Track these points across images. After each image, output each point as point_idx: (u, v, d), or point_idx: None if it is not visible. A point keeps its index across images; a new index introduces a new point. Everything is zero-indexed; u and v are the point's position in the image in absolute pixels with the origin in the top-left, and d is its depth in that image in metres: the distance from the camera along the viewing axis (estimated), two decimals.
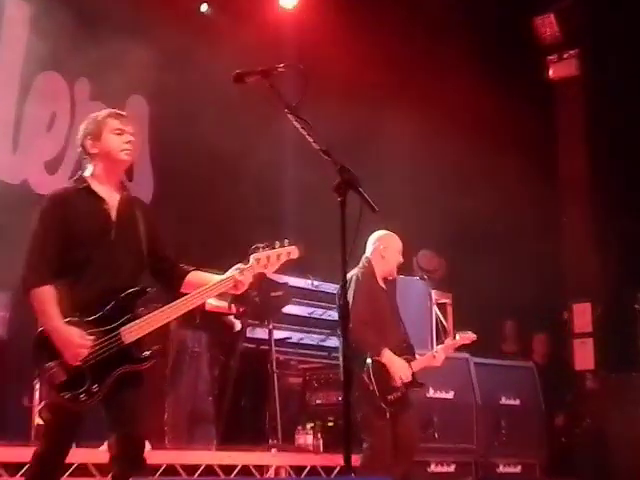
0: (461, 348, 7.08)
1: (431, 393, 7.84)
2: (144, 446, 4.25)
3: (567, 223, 10.64)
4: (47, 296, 4.15)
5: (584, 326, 10.25)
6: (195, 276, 4.44)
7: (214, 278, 4.37)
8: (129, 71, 8.48)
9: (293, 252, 4.36)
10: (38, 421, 7.48)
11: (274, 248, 4.34)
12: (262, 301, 7.79)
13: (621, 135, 10.07)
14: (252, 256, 4.33)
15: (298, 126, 3.97)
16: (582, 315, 10.29)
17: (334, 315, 8.61)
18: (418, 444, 6.63)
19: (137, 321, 4.20)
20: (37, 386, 7.68)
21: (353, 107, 9.56)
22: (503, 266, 10.52)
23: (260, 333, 8.07)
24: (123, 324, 4.19)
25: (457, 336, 6.81)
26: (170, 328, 7.46)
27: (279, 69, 4.04)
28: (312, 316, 8.74)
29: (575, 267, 10.44)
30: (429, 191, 10.55)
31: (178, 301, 4.29)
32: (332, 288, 8.54)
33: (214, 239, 8.71)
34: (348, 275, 6.35)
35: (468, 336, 6.79)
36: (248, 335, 8.03)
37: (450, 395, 8.03)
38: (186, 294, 4.35)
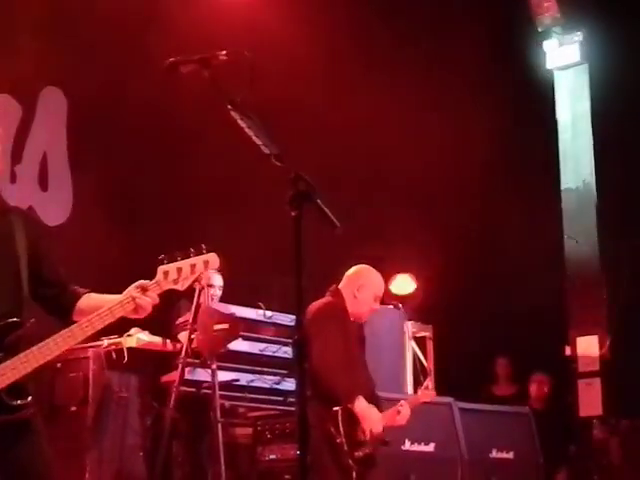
0: (442, 391, 7.09)
1: (407, 446, 7.84)
2: None
3: (570, 242, 10.71)
4: None
5: (590, 364, 10.31)
6: (88, 300, 4.34)
7: (112, 300, 4.25)
8: (43, 58, 8.45)
9: (212, 260, 4.20)
10: None
11: (187, 257, 4.22)
12: (203, 336, 7.75)
13: (631, 135, 10.19)
14: (159, 268, 4.22)
15: (244, 125, 3.95)
16: (588, 351, 10.36)
17: (290, 352, 8.58)
18: None
19: (10, 361, 4.08)
20: None
21: (313, 101, 9.62)
22: (494, 293, 10.60)
23: (201, 374, 8.01)
24: None
25: (418, 391, 6.85)
26: (90, 369, 7.42)
27: (221, 57, 4.02)
28: (264, 353, 8.68)
29: (579, 294, 10.52)
30: (408, 205, 10.63)
31: (61, 333, 4.16)
32: (288, 319, 8.51)
33: (146, 257, 8.67)
34: (314, 304, 6.38)
35: (428, 393, 6.79)
36: (187, 377, 7.97)
37: (430, 448, 8.03)
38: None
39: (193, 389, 8.05)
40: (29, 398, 4.12)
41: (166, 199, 9.49)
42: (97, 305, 4.26)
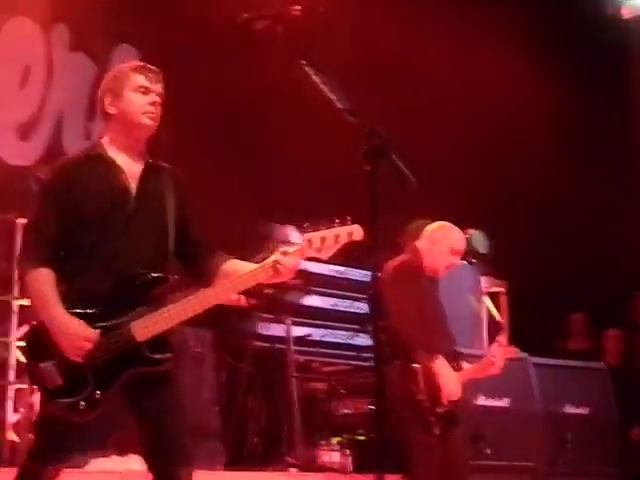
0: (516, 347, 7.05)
1: (482, 400, 7.84)
2: (191, 462, 4.20)
3: None
4: (45, 279, 4.10)
5: None
6: (233, 266, 4.33)
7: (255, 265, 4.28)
8: (115, 15, 8.50)
9: (356, 232, 4.17)
10: (12, 437, 7.61)
11: (331, 227, 4.21)
12: (277, 291, 7.82)
13: None
14: (303, 236, 4.23)
15: (317, 81, 3.95)
16: None
17: (363, 307, 8.62)
18: (470, 467, 6.63)
19: (152, 315, 4.12)
20: (11, 395, 7.82)
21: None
22: (570, 247, 10.51)
23: (275, 330, 8.10)
24: (134, 318, 4.12)
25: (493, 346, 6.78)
26: None
27: (294, 12, 4.03)
28: (336, 309, 8.75)
29: None
30: (477, 156, 10.55)
31: (205, 291, 4.19)
32: (361, 275, 8.56)
33: (221, 220, 8.72)
34: (391, 263, 6.38)
35: (510, 349, 6.73)
36: (261, 332, 8.07)
37: (505, 402, 8.03)
38: None
39: (268, 344, 8.13)
40: (169, 353, 4.16)
41: (237, 160, 9.52)
42: (242, 270, 4.27)
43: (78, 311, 4.11)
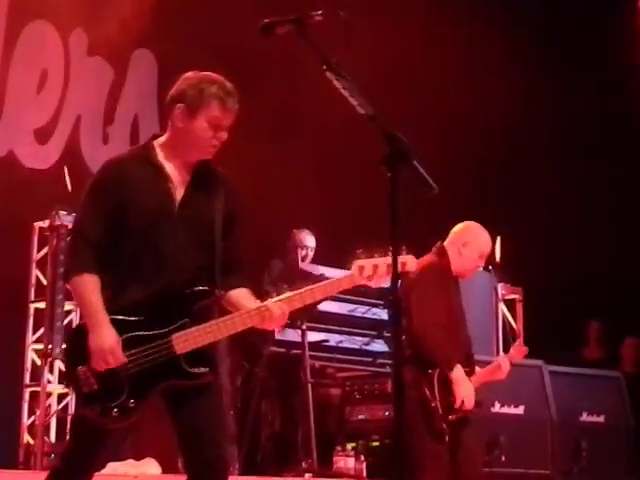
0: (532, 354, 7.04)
1: (497, 408, 7.84)
2: (227, 469, 4.21)
3: None
4: (89, 286, 4.06)
5: None
6: (239, 295, 4.22)
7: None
8: (133, 20, 8.53)
9: (409, 263, 4.11)
10: (27, 440, 7.63)
11: (385, 255, 4.11)
12: None
13: None
14: (354, 262, 4.17)
15: (339, 86, 3.94)
16: None
17: (380, 313, 8.60)
18: (482, 471, 6.62)
19: (195, 328, 4.07)
20: (26, 397, 7.85)
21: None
22: (586, 254, 10.48)
23: (291, 335, 8.08)
24: (177, 329, 4.07)
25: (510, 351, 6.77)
26: None
27: (316, 17, 4.01)
28: (353, 314, 8.73)
29: None
30: (491, 161, 10.54)
31: (248, 310, 4.15)
32: None
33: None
34: (418, 263, 6.34)
35: (520, 349, 6.70)
36: (277, 337, 8.05)
37: (520, 410, 8.02)
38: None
39: (283, 349, 8.13)
40: (208, 368, 4.12)
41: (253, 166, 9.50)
42: (237, 304, 4.20)
43: (121, 318, 4.08)
